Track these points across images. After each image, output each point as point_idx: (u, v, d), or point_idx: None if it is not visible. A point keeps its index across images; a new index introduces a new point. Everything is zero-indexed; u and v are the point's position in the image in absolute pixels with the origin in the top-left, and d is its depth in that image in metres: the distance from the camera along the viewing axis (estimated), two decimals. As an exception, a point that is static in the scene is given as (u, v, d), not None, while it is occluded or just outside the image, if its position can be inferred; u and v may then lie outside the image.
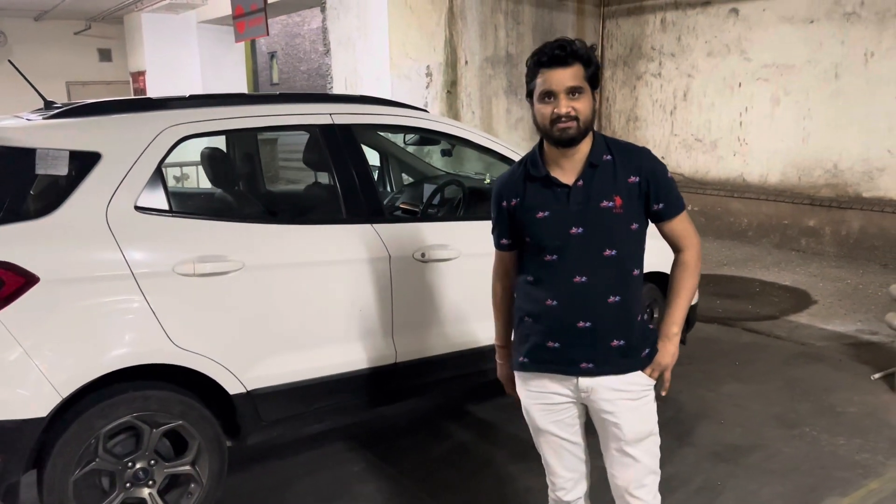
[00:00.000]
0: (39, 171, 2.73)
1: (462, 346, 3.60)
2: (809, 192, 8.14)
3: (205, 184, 4.24)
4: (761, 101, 8.49)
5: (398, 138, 4.94)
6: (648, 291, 4.18)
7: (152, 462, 2.89)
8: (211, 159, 3.88)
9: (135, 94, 14.10)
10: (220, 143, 4.07)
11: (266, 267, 3.05)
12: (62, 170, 2.76)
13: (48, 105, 3.23)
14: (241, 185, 4.17)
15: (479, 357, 3.66)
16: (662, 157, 9.69)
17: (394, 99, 3.83)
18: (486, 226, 3.72)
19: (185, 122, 3.01)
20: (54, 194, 2.76)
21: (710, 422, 4.00)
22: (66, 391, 2.65)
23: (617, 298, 2.08)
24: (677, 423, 4.02)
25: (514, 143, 8.43)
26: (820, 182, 8.06)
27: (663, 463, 3.25)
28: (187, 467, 2.94)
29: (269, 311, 3.07)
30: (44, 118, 2.90)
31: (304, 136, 3.67)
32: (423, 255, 3.41)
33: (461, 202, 4.10)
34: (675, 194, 2.14)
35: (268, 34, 9.85)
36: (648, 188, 2.08)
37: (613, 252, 2.07)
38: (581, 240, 2.07)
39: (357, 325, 3.30)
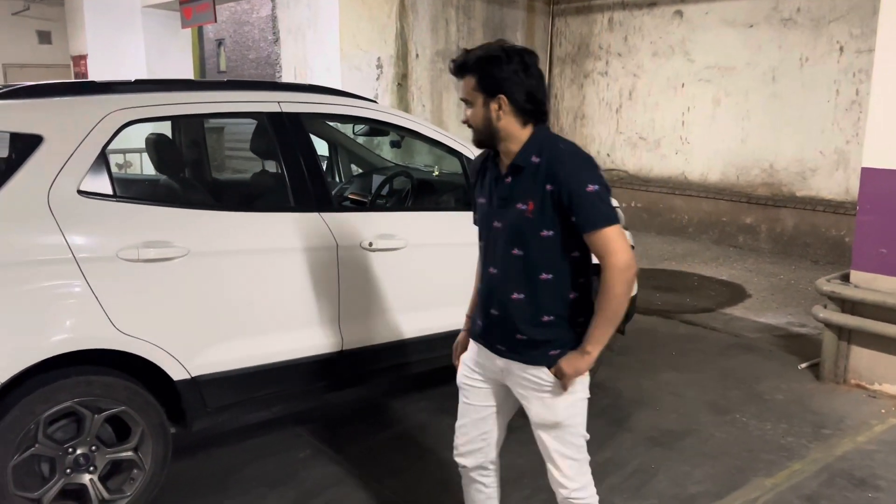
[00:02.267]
0: (-22, 152, 2.69)
1: (408, 334, 3.66)
2: (747, 191, 8.44)
3: (149, 171, 4.19)
4: (703, 101, 8.75)
5: (348, 129, 4.96)
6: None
7: (94, 448, 2.87)
8: (156, 145, 3.83)
9: (76, 79, 13.69)
10: (165, 129, 4.03)
11: (211, 253, 3.05)
12: (1, 152, 2.71)
13: (-12, 86, 3.16)
14: (186, 172, 4.14)
15: (425, 345, 3.73)
16: (608, 155, 9.91)
17: (343, 89, 3.84)
18: (433, 217, 3.85)
19: (130, 106, 2.98)
20: (-6, 176, 2.72)
21: (647, 408, 4.15)
22: (5, 376, 2.62)
23: (521, 296, 2.17)
24: (615, 409, 4.16)
25: (464, 138, 8.51)
26: (757, 181, 8.36)
27: (601, 448, 3.38)
28: (130, 453, 2.93)
29: (215, 298, 3.08)
30: (-16, 99, 2.84)
31: (251, 126, 3.67)
32: (370, 244, 3.45)
33: (409, 193, 4.15)
34: (593, 210, 2.03)
35: (215, 21, 9.71)
36: (561, 199, 2.05)
37: (521, 252, 2.15)
38: (499, 234, 2.19)
39: (303, 313, 3.33)
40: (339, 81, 8.34)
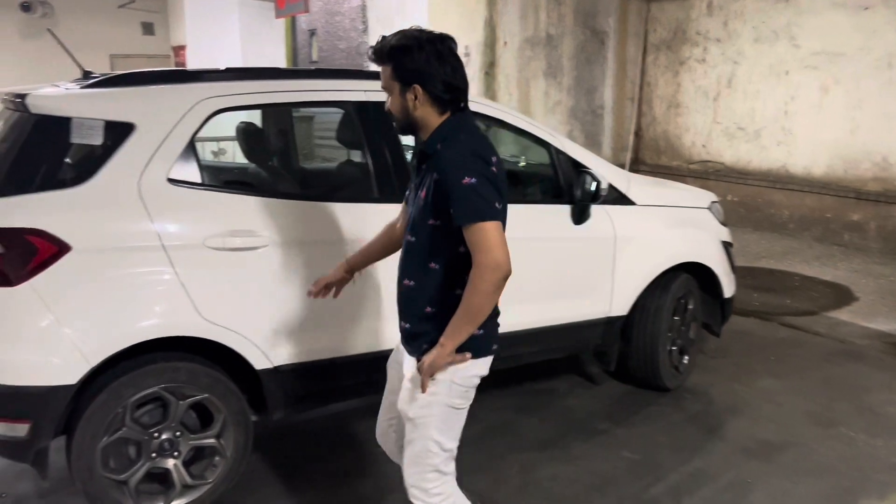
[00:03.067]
0: (74, 140, 2.74)
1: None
2: (855, 186, 7.89)
3: (240, 159, 4.23)
4: (809, 89, 8.23)
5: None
6: (683, 282, 4.09)
7: (178, 433, 2.91)
8: (245, 133, 3.87)
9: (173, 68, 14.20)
10: (255, 117, 4.06)
11: (296, 243, 3.03)
12: (96, 139, 2.76)
13: (86, 75, 3.24)
14: (274, 161, 4.16)
15: (510, 341, 3.61)
16: (703, 146, 9.49)
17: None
18: (517, 210, 3.71)
19: (220, 94, 2.99)
20: (88, 164, 2.77)
21: (741, 416, 3.91)
22: (96, 360, 2.67)
23: (411, 283, 2.19)
24: (707, 415, 3.95)
25: (552, 127, 8.32)
26: (867, 175, 7.80)
27: (692, 456, 3.21)
28: (212, 440, 2.96)
29: (298, 289, 3.06)
30: (80, 87, 2.90)
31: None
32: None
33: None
34: (466, 203, 1.96)
35: (307, 11, 9.84)
36: (441, 189, 2.01)
37: (413, 239, 2.18)
38: (408, 220, 2.25)
39: (388, 305, 3.27)
40: (426, 70, 8.29)
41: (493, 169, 2.03)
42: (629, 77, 10.35)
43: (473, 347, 2.13)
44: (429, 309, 2.15)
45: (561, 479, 3.29)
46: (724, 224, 4.41)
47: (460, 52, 2.20)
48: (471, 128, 2.13)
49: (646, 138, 10.41)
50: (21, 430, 2.65)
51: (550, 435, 3.71)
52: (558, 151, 3.73)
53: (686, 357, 4.25)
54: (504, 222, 2.06)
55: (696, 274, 4.19)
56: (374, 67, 2.28)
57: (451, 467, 2.28)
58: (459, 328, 2.05)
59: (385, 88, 2.14)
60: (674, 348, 4.14)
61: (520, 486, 3.25)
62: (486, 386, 4.17)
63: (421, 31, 2.10)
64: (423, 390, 2.12)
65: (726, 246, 4.35)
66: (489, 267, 1.96)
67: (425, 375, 2.10)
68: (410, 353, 2.24)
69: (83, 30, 13.83)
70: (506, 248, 2.00)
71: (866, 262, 7.31)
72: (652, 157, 10.31)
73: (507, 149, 6.13)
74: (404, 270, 2.22)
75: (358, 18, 10.23)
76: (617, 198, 3.84)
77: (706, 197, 4.40)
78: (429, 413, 2.18)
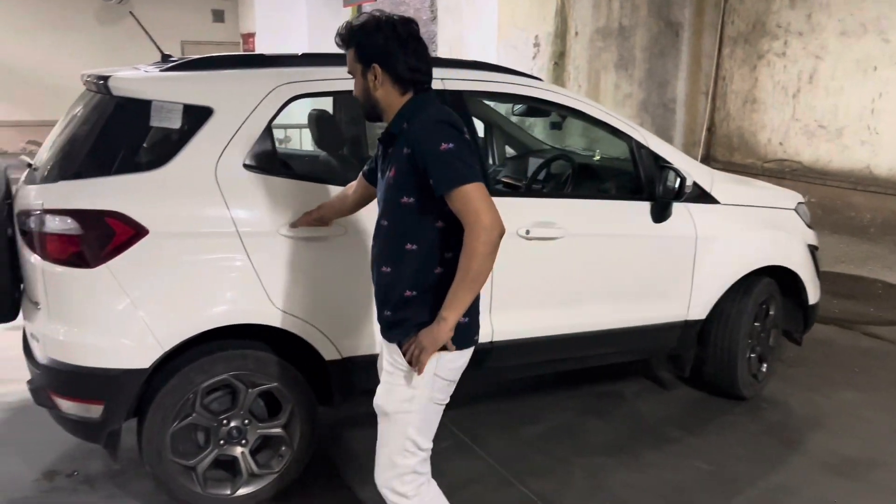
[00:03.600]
0: (153, 123, 2.73)
1: (561, 330, 3.44)
2: (945, 190, 7.46)
3: (307, 146, 4.21)
4: (898, 87, 7.80)
5: (502, 108, 4.77)
6: (765, 286, 3.90)
7: (246, 421, 2.89)
8: (318, 121, 3.83)
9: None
10: (326, 105, 4.02)
11: (367, 234, 2.97)
12: (175, 123, 2.75)
13: (165, 58, 3.24)
14: (345, 149, 4.12)
15: (577, 343, 3.51)
16: (780, 143, 9.11)
17: (507, 66, 3.64)
18: (595, 205, 3.59)
19: (297, 80, 2.94)
20: (166, 148, 2.76)
21: (822, 430, 3.71)
22: (169, 344, 2.67)
23: (388, 269, 2.12)
24: (785, 427, 3.76)
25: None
26: (958, 179, 7.36)
27: (771, 470, 3.07)
28: (279, 430, 2.94)
29: (368, 280, 3.00)
30: (160, 70, 2.90)
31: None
32: (526, 231, 3.25)
33: (569, 178, 3.91)
34: (448, 169, 1.94)
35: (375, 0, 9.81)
36: (416, 161, 1.98)
37: (385, 223, 2.13)
38: (378, 206, 2.19)
39: None
40: (494, 60, 8.18)
41: (467, 138, 2.01)
42: (703, 70, 10.00)
43: (458, 337, 2.05)
44: (408, 293, 2.08)
45: (632, 487, 3.17)
46: (810, 226, 4.19)
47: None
48: (437, 105, 2.10)
49: (718, 134, 10.06)
50: (95, 411, 2.68)
51: (619, 439, 3.59)
52: (640, 145, 3.57)
53: (765, 365, 4.06)
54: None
55: (779, 278, 3.99)
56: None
57: (427, 468, 2.21)
58: (461, 297, 1.98)
59: (350, 72, 2.15)
60: (752, 355, 3.96)
61: (588, 491, 3.14)
62: (547, 386, 4.11)
63: (381, 13, 2.10)
64: (420, 371, 2.04)
65: (812, 250, 4.13)
66: (484, 228, 1.92)
67: (427, 352, 2.01)
68: (390, 340, 2.15)
69: (157, 16, 14.09)
70: (494, 207, 1.96)
71: (956, 270, 6.90)
72: (724, 153, 9.96)
73: (572, 141, 5.99)
74: (380, 257, 2.16)
75: (423, 7, 10.17)
76: (699, 196, 3.67)
77: (793, 197, 4.18)
78: (409, 409, 2.11)
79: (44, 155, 2.98)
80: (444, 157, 1.95)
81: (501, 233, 1.96)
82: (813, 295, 4.11)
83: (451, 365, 2.11)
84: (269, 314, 2.81)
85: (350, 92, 3.45)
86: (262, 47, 14.20)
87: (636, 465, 3.35)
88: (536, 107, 3.78)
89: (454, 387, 2.17)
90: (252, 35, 15.10)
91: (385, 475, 2.16)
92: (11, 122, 13.75)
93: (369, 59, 2.07)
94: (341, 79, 3.07)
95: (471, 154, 1.98)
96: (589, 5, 8.69)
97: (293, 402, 2.93)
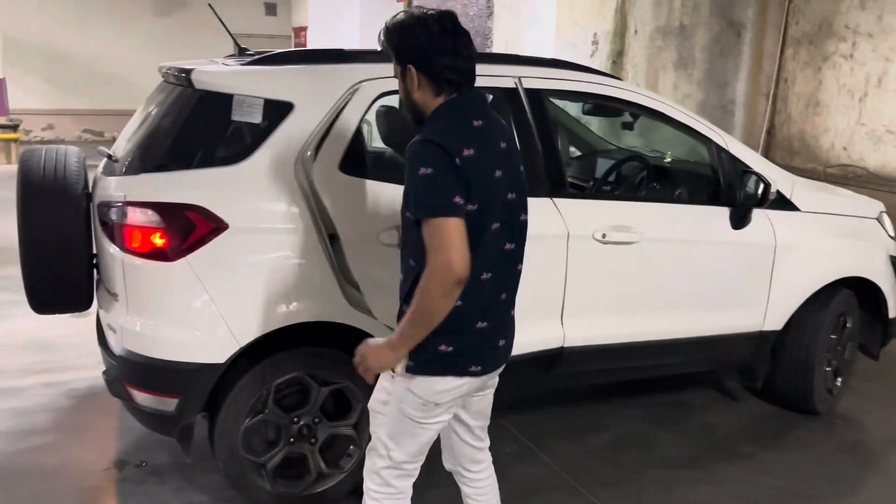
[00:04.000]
0: (235, 117, 2.71)
1: (635, 337, 3.34)
2: None
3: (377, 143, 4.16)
4: (974, 91, 7.50)
5: (570, 107, 4.67)
6: (844, 298, 3.75)
7: (316, 420, 2.86)
8: (387, 118, 3.78)
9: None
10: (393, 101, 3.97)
11: None
12: (256, 118, 2.73)
13: (241, 52, 3.22)
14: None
15: (650, 351, 3.41)
16: (844, 148, 8.83)
17: (582, 64, 3.55)
18: (672, 210, 3.48)
19: (379, 77, 2.89)
20: (246, 142, 2.74)
21: (902, 451, 3.56)
22: (245, 340, 2.65)
23: (401, 277, 2.04)
24: (864, 447, 3.62)
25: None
26: None
27: (852, 492, 2.97)
28: (350, 429, 2.90)
29: None
30: (241, 65, 2.88)
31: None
32: (603, 235, 3.17)
33: (644, 181, 3.81)
34: (417, 197, 1.84)
35: (430, -6, 9.77)
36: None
37: (400, 234, 2.05)
38: None
39: (524, 306, 3.12)
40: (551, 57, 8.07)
41: (458, 161, 1.82)
42: (764, 72, 9.75)
43: (439, 364, 1.94)
44: (404, 307, 1.98)
45: (706, 503, 3.07)
46: (892, 237, 4.02)
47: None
48: (459, 112, 1.95)
49: (778, 137, 9.80)
50: (170, 404, 2.67)
51: (690, 452, 3.48)
52: (720, 148, 3.46)
53: (839, 379, 3.91)
54: (479, 220, 1.87)
55: (858, 289, 3.84)
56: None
57: (403, 485, 2.11)
58: (408, 332, 1.88)
59: (394, 75, 2.03)
60: (828, 369, 3.81)
61: (656, 500, 3.04)
62: (610, 395, 4.01)
63: (417, 9, 1.97)
64: (368, 380, 2.04)
65: (894, 261, 3.96)
66: (440, 268, 1.79)
67: (368, 373, 2.00)
68: None
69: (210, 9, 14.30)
70: (462, 249, 1.80)
71: None
72: (784, 157, 9.70)
73: (634, 142, 5.85)
74: (400, 265, 2.08)
75: (471, 3, 10.09)
76: (779, 202, 3.53)
77: (875, 206, 4.02)
78: (381, 410, 2.13)
79: (123, 146, 2.98)
80: (419, 183, 1.83)
81: (460, 278, 1.80)
82: (893, 308, 3.95)
83: (430, 386, 1.96)
84: (345, 312, 2.77)
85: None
86: (313, 41, 14.27)
87: (709, 479, 3.25)
88: (614, 106, 3.67)
89: (443, 410, 2.02)
90: (304, 29, 15.18)
91: (366, 462, 2.18)
92: (69, 111, 14.05)
93: (404, 59, 1.96)
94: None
95: (453, 182, 1.81)
96: (649, 4, 8.52)
97: (363, 401, 2.88)
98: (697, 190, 3.75)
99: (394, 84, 2.88)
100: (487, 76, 3.21)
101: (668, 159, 4.42)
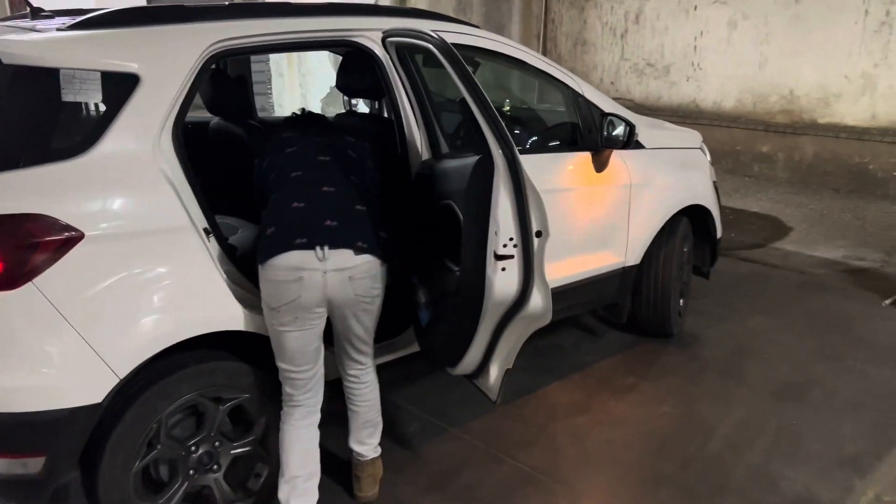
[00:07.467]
0: (67, 97, 2.15)
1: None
2: (764, 119, 8.21)
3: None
4: (718, 25, 8.40)
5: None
6: (684, 226, 4.01)
7: (217, 444, 2.46)
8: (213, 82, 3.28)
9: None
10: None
11: None
12: (95, 96, 2.19)
13: (35, 12, 2.57)
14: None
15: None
16: (612, 83, 9.52)
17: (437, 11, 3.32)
18: (531, 159, 3.39)
19: (230, 37, 2.45)
20: (89, 128, 2.19)
21: (752, 359, 3.92)
22: (125, 370, 2.16)
23: None
24: (720, 361, 3.91)
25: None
26: (775, 108, 8.13)
27: (727, 405, 3.48)
28: (255, 446, 2.54)
29: None
30: (59, 30, 2.27)
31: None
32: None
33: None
34: None
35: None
36: None
37: None
38: None
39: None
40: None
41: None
42: (534, 14, 10.15)
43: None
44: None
45: (616, 444, 3.14)
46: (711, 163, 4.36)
47: None
48: None
49: (552, 76, 10.31)
50: (34, 465, 2.12)
51: (582, 397, 3.54)
52: (576, 94, 3.46)
53: (681, 301, 4.21)
54: None
55: (690, 216, 4.12)
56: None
57: (290, 390, 2.46)
58: None
59: None
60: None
61: (580, 457, 3.05)
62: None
63: None
64: None
65: (715, 185, 4.30)
66: None
67: None
68: None
69: None
70: None
71: (780, 192, 7.66)
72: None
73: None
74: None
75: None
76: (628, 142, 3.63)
77: (696, 137, 4.30)
78: None
79: None
80: None
81: None
82: (720, 229, 4.30)
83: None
84: (241, 319, 2.38)
85: (284, 46, 2.95)
86: None
87: (609, 420, 3.33)
88: (470, 56, 3.49)
89: (289, 313, 2.30)
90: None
91: None
92: None
93: None
94: (275, 33, 2.65)
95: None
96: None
97: (268, 412, 2.53)
98: (553, 136, 3.74)
99: (236, 45, 2.46)
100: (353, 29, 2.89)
101: (506, 108, 4.39)
